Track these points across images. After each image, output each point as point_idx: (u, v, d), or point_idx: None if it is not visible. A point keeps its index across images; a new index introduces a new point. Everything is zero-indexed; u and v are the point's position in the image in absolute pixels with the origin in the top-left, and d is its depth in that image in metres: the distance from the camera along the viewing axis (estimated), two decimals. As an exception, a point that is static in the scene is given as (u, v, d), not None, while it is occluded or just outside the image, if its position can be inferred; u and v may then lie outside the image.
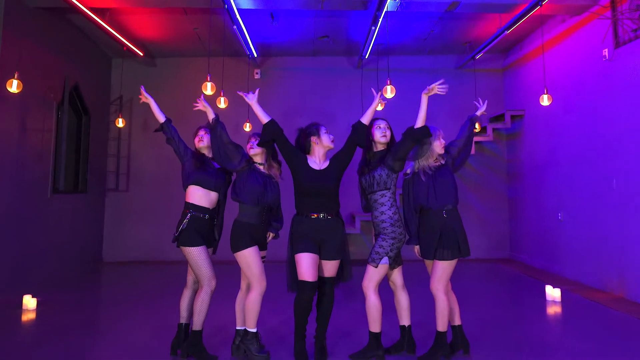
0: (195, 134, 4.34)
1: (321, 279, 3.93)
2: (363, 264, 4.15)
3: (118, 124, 8.53)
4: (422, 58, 10.10)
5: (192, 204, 4.07)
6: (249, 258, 3.93)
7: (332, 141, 4.09)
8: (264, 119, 4.12)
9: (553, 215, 8.23)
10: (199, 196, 4.11)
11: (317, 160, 4.06)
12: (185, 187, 4.18)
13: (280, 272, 4.28)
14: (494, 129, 9.71)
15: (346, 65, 10.17)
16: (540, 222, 8.71)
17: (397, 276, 4.16)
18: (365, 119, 4.09)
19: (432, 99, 10.16)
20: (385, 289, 4.27)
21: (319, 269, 3.94)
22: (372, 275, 3.98)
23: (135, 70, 9.99)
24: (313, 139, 4.05)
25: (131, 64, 9.92)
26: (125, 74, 9.73)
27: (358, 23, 8.40)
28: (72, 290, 7.09)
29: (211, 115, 4.13)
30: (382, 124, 4.17)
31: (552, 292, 6.35)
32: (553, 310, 5.85)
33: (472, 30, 8.81)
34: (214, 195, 4.18)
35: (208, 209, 4.12)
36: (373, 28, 7.75)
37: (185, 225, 3.99)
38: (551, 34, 8.16)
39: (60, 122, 7.99)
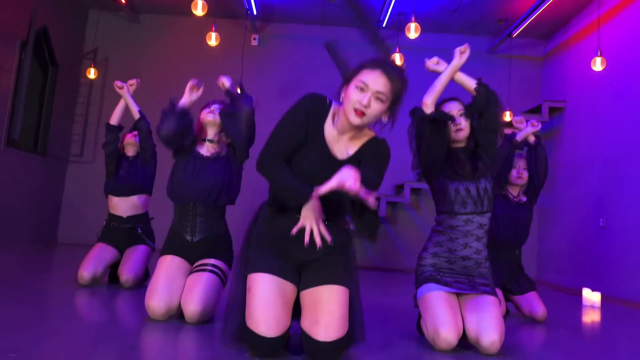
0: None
1: (312, 343, 2.23)
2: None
3: (89, 74, 7.85)
4: (449, 37, 9.07)
5: None
6: None
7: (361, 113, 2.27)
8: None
9: (593, 223, 7.15)
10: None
11: (338, 136, 2.42)
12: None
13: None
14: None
15: (359, 39, 9.22)
16: (577, 233, 7.61)
17: None
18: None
19: (457, 89, 9.11)
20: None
21: (297, 309, 2.39)
22: None
23: (115, 25, 9.22)
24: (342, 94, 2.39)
25: (110, 17, 9.15)
26: (103, 27, 8.94)
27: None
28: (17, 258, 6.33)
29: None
30: (454, 109, 3.03)
31: (591, 297, 5.32)
32: (591, 318, 4.79)
33: (510, 3, 7.90)
34: None
35: None
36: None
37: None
38: (607, 6, 7.23)
39: (23, 62, 7.27)
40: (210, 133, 3.29)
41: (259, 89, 8.95)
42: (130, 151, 4.42)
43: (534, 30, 8.66)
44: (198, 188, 3.11)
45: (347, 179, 1.98)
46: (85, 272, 3.89)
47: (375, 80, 2.23)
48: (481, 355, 2.68)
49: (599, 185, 7.18)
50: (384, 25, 8.34)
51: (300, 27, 9.25)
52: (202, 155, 3.25)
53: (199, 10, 6.50)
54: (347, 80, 2.33)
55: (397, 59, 6.97)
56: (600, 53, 5.93)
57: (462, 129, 2.98)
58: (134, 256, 4.11)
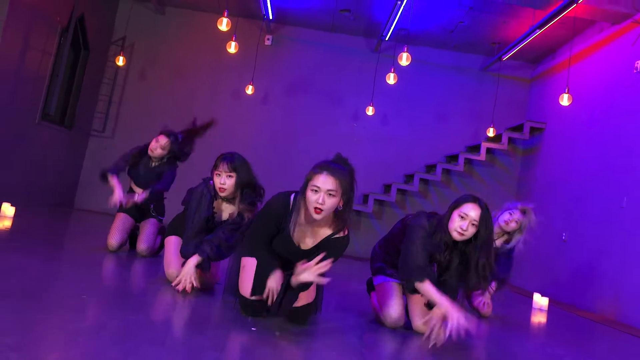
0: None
1: (291, 310, 3.03)
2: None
3: (118, 61, 8.70)
4: (446, 53, 9.97)
5: None
6: None
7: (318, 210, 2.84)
8: None
9: (557, 236, 7.98)
10: None
11: (304, 226, 3.05)
12: None
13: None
14: (510, 138, 9.46)
15: (363, 47, 10.11)
16: (543, 243, 8.41)
17: None
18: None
19: (449, 101, 9.84)
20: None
21: None
22: None
23: (142, 15, 10.02)
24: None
25: (138, 7, 9.96)
26: (131, 16, 9.73)
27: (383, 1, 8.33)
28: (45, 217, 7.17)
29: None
30: (472, 214, 3.19)
31: (540, 301, 6.07)
32: (538, 319, 5.58)
33: (503, 29, 8.71)
34: None
35: None
36: (399, 2, 7.55)
37: None
38: (586, 44, 8.09)
39: (62, 47, 8.12)
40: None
41: (269, 84, 9.85)
42: (156, 154, 4.91)
43: (524, 54, 9.47)
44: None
45: None
46: (114, 241, 4.73)
47: (324, 182, 2.79)
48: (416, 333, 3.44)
49: (566, 203, 8.00)
50: (387, 39, 9.12)
51: (311, 32, 10.08)
52: (217, 217, 3.77)
53: (223, 26, 6.95)
54: (305, 185, 2.87)
55: (392, 78, 7.71)
56: (568, 90, 6.71)
57: (464, 234, 3.23)
58: (147, 230, 4.89)
